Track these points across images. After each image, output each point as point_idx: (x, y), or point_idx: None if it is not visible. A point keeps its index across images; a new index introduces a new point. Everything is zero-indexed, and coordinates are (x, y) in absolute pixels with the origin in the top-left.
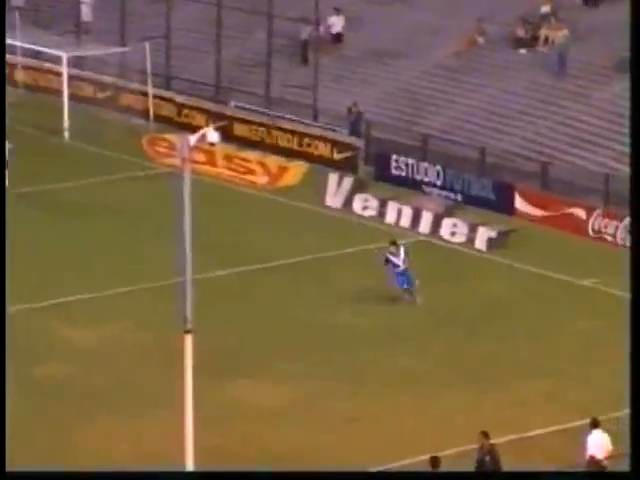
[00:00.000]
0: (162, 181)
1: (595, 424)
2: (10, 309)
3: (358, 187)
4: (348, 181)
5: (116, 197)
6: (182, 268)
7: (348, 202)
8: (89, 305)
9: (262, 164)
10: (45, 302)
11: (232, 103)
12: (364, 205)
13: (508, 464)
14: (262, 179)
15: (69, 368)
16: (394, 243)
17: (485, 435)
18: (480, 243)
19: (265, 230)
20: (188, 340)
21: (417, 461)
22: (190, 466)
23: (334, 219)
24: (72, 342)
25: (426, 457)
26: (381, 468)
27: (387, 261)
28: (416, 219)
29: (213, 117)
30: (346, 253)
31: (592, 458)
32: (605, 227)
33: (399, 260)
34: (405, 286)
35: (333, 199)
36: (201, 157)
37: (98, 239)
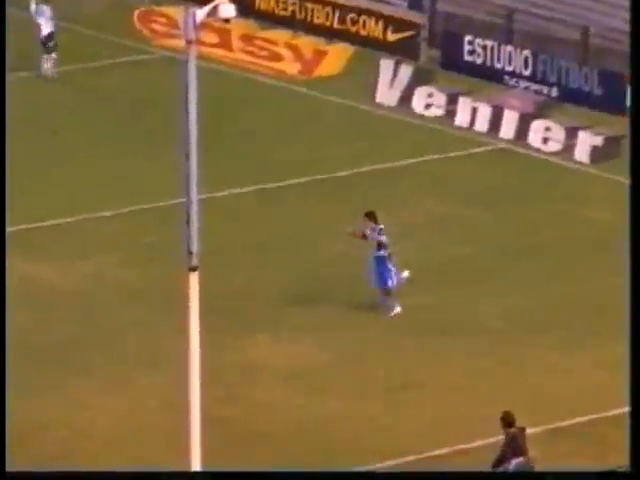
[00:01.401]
0: (159, 70)
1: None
2: None
3: (420, 78)
4: (406, 70)
5: (100, 92)
6: (185, 186)
7: (406, 98)
8: (62, 233)
9: (292, 47)
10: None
11: None
12: (427, 102)
13: None
14: (292, 67)
15: (34, 316)
16: (374, 218)
17: (507, 421)
18: (581, 153)
19: (293, 135)
20: (193, 280)
21: (486, 444)
22: (195, 443)
23: (387, 120)
24: (39, 282)
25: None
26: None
27: (378, 244)
28: (496, 121)
29: None
30: (401, 166)
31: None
32: None
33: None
34: (389, 284)
35: (386, 94)
36: (212, 38)
37: (74, 144)
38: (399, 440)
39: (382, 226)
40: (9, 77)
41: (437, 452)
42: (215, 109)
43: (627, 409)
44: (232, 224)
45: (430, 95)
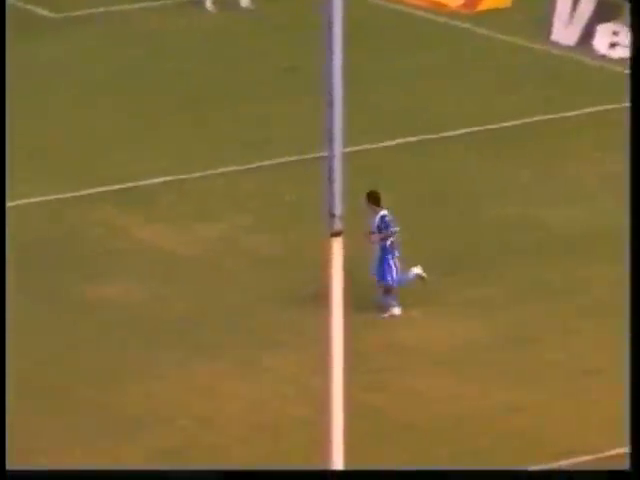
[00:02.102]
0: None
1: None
2: (49, 196)
3: (603, 13)
4: (588, 3)
5: (214, 22)
6: (327, 138)
7: (587, 36)
8: (183, 191)
9: None
10: (106, 186)
11: None
12: (612, 40)
13: None
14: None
15: (151, 288)
16: (376, 200)
17: None
18: None
19: (454, 80)
20: (336, 246)
21: None
22: (337, 436)
23: (563, 62)
24: (157, 249)
25: None
26: None
27: (384, 224)
28: None
29: None
30: (579, 116)
31: None
32: None
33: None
34: (389, 280)
35: (563, 31)
36: None
37: (185, 89)
38: (576, 436)
39: (386, 211)
40: None
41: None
42: (363, 49)
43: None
44: (380, 182)
45: (615, 33)
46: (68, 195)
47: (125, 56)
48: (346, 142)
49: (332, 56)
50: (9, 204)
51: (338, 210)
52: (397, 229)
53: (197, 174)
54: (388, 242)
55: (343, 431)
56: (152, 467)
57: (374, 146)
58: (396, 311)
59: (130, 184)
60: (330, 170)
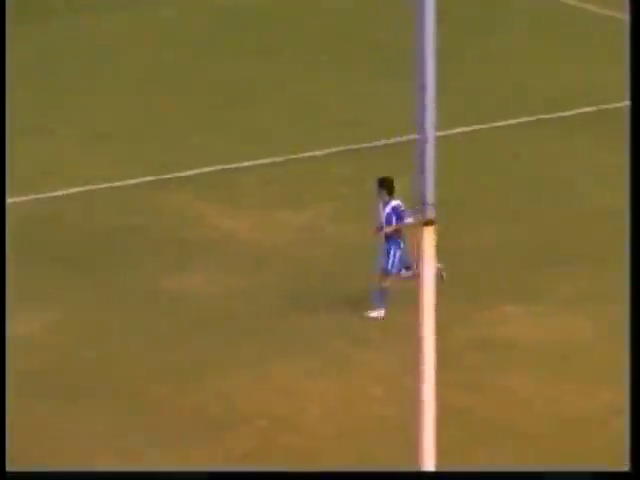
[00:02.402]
0: None
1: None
2: (123, 182)
3: None
4: None
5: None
6: (419, 121)
7: None
8: (267, 177)
9: None
10: (183, 172)
11: None
12: None
13: None
14: None
15: (233, 280)
16: (389, 187)
17: None
18: None
19: (556, 58)
20: (428, 236)
21: None
22: (429, 439)
23: None
24: (240, 238)
25: None
26: None
27: (396, 216)
28: None
29: None
30: None
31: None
32: None
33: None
34: (389, 267)
35: None
36: None
37: (267, 68)
38: None
39: (398, 201)
40: None
41: None
42: (454, 26)
43: None
44: (473, 167)
45: None
46: (143, 180)
47: (201, 35)
48: (439, 125)
49: (424, 33)
50: (79, 189)
51: (430, 198)
52: (412, 222)
53: (280, 158)
54: (397, 236)
55: (434, 432)
56: (232, 469)
57: (469, 129)
58: (380, 313)
59: (208, 169)
60: (421, 155)
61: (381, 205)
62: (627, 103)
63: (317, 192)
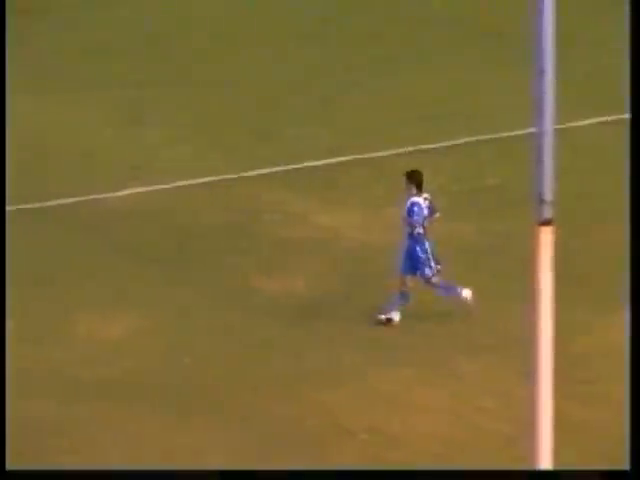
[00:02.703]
0: None
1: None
2: (216, 176)
3: None
4: None
5: None
6: (537, 112)
7: None
8: (362, 173)
9: None
10: (281, 166)
11: None
12: None
13: None
14: None
15: (323, 283)
16: (416, 180)
17: None
18: None
19: None
20: (546, 236)
21: None
22: (545, 456)
23: None
24: (331, 237)
25: None
26: None
27: (412, 212)
28: None
29: None
30: None
31: None
32: None
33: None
34: (427, 272)
35: None
36: None
37: (375, 52)
38: None
39: (420, 199)
40: None
41: None
42: (575, 8)
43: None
44: (597, 163)
45: None
46: (242, 175)
47: (303, 22)
48: (558, 117)
49: (542, 19)
50: (173, 184)
51: (548, 195)
52: (419, 220)
53: (384, 152)
54: (415, 231)
55: (551, 450)
56: None
57: (590, 122)
58: (394, 318)
59: (313, 163)
60: (539, 149)
61: (407, 199)
62: None
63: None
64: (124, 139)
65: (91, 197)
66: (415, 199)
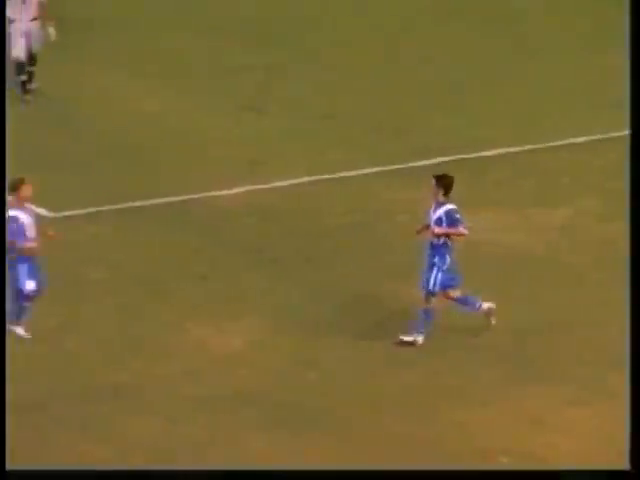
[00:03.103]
0: None
1: None
2: (347, 172)
3: None
4: None
5: None
6: None
7: None
8: (510, 169)
9: None
10: (415, 161)
11: None
12: None
13: None
14: None
15: (465, 288)
16: (446, 186)
17: None
18: None
19: None
20: None
21: None
22: None
23: None
24: (474, 240)
25: None
26: None
27: (448, 221)
28: None
29: None
30: None
31: None
32: None
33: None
34: (430, 287)
35: None
36: None
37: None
38: None
39: (454, 205)
40: None
41: None
42: None
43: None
44: None
45: None
46: (370, 171)
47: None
48: None
49: None
50: (295, 180)
51: None
52: (465, 232)
53: (531, 146)
54: (442, 242)
55: None
56: None
57: None
58: (417, 339)
59: (447, 158)
60: None
61: (433, 206)
62: None
63: (576, 186)
64: (240, 131)
65: (203, 195)
66: (449, 206)
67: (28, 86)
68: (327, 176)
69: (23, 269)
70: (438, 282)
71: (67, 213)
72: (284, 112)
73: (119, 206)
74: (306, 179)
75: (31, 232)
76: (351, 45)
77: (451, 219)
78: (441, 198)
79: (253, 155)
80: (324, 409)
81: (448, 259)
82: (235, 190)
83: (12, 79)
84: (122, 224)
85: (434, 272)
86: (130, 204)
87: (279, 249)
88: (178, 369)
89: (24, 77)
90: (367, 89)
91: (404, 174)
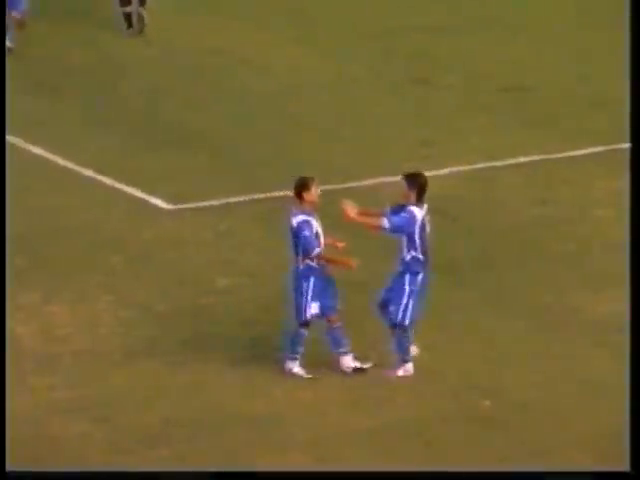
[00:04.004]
0: None
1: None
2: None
3: None
4: None
5: None
6: None
7: None
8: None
9: None
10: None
11: None
12: None
13: None
14: None
15: None
16: (418, 186)
17: None
18: None
19: None
20: None
21: None
22: None
23: None
24: None
25: None
26: None
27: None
28: None
29: None
30: None
31: None
32: None
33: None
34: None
35: None
36: None
37: None
38: None
39: (426, 207)
40: None
41: None
42: None
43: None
44: None
45: None
46: (558, 155)
47: None
48: None
49: None
50: (463, 167)
51: None
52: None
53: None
54: (409, 257)
55: None
56: None
57: None
58: (407, 370)
59: None
60: None
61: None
62: None
63: None
64: (406, 105)
65: (362, 183)
66: (412, 208)
67: (136, 22)
68: (515, 160)
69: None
70: (410, 313)
71: (191, 205)
72: (453, 82)
73: (259, 196)
74: (486, 164)
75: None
76: (540, 7)
77: (419, 225)
78: (412, 201)
79: (423, 135)
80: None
81: (420, 277)
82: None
83: (116, 10)
84: (261, 217)
85: (404, 298)
86: (274, 193)
87: (454, 249)
88: None
89: (129, 9)
90: (558, 57)
91: (610, 158)
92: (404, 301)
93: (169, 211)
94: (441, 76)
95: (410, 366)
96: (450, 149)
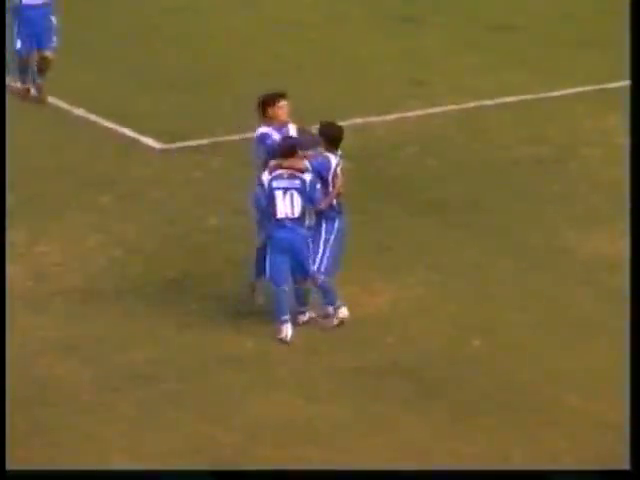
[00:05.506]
0: None
1: None
2: (524, 95)
3: None
4: None
5: None
6: None
7: None
8: None
9: None
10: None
11: None
12: None
13: None
14: None
15: None
16: (331, 135)
17: None
18: None
19: None
20: None
21: None
22: None
23: None
24: None
25: None
26: None
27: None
28: None
29: None
30: None
31: None
32: None
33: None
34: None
35: None
36: None
37: None
38: None
39: (340, 154)
40: None
41: None
42: None
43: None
44: None
45: None
46: (544, 95)
47: None
48: None
49: None
50: (452, 106)
51: None
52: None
53: None
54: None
55: None
56: None
57: None
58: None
59: None
60: None
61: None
62: None
63: None
64: (396, 47)
65: (352, 122)
66: (333, 156)
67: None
68: (504, 99)
69: None
70: (327, 263)
71: (182, 144)
72: (446, 24)
73: (250, 135)
74: (475, 103)
75: None
76: None
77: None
78: (325, 149)
79: (413, 74)
80: (486, 386)
81: (337, 227)
82: (392, 116)
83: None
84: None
85: (320, 249)
86: None
87: (444, 190)
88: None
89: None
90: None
91: (598, 97)
92: (320, 249)
93: (159, 150)
94: (431, 16)
95: (344, 310)
96: (439, 88)
